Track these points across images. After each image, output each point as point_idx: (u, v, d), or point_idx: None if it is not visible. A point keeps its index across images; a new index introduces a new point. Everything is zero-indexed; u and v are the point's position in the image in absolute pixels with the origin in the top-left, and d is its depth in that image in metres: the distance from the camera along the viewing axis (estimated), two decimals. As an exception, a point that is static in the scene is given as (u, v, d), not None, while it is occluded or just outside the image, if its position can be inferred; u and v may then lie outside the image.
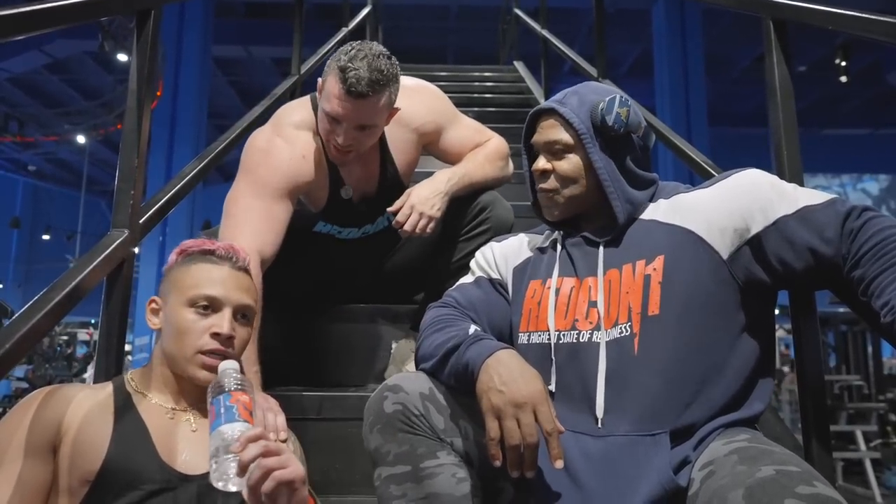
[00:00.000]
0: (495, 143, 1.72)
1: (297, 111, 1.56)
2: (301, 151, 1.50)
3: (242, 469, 0.85)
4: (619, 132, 1.06)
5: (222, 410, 0.90)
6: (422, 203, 1.47)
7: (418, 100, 1.64)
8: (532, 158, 1.17)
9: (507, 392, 0.91)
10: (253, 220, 1.42)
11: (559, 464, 0.89)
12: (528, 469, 0.91)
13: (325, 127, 1.46)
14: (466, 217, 1.60)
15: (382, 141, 1.61)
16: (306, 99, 1.58)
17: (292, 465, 0.87)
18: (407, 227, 1.46)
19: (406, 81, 1.65)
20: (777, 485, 0.74)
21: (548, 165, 1.11)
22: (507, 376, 0.92)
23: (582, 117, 1.07)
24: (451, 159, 1.69)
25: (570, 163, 1.09)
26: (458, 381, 1.00)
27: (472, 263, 1.25)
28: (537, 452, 0.90)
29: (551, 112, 1.11)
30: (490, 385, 0.93)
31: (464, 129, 1.71)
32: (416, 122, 1.63)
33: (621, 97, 1.07)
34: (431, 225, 1.48)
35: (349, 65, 1.36)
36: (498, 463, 0.91)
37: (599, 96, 1.08)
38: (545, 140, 1.11)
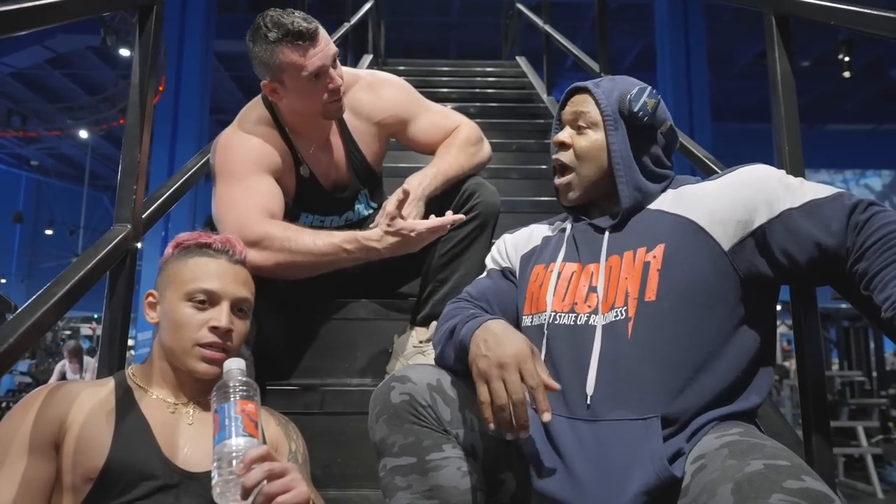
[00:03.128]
0: (465, 130, 1.70)
1: (252, 110, 1.59)
2: (261, 140, 1.54)
3: (246, 492, 0.85)
4: (643, 121, 1.08)
5: (227, 422, 0.89)
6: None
7: (378, 94, 1.67)
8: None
9: (491, 355, 0.93)
10: (245, 202, 1.45)
11: (546, 416, 0.90)
12: (520, 429, 0.91)
13: (313, 95, 1.48)
14: (454, 206, 1.59)
15: (345, 129, 1.63)
16: (258, 100, 1.60)
17: (297, 486, 0.87)
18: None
19: (366, 76, 1.69)
20: (765, 479, 0.74)
21: (568, 139, 1.14)
22: (492, 341, 0.95)
23: (611, 100, 1.10)
24: (421, 148, 1.72)
25: (589, 140, 1.12)
26: (459, 361, 1.02)
27: (488, 259, 1.28)
28: (526, 410, 0.91)
29: (585, 90, 1.15)
30: (477, 352, 0.96)
31: (431, 115, 1.71)
32: (377, 116, 1.66)
33: (652, 90, 1.10)
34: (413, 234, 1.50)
35: (284, 28, 1.41)
36: (492, 426, 0.92)
37: (632, 87, 1.12)
38: (572, 111, 1.15)
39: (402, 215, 1.41)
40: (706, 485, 0.80)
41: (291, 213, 1.64)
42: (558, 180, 1.16)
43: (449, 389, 1.01)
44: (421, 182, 1.55)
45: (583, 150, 1.12)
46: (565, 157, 1.14)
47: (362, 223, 1.74)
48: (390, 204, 1.40)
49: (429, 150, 1.70)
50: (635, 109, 1.07)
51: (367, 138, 1.66)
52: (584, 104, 1.13)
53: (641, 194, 1.08)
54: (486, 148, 1.72)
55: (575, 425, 0.97)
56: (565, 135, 1.14)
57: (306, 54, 1.42)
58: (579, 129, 1.13)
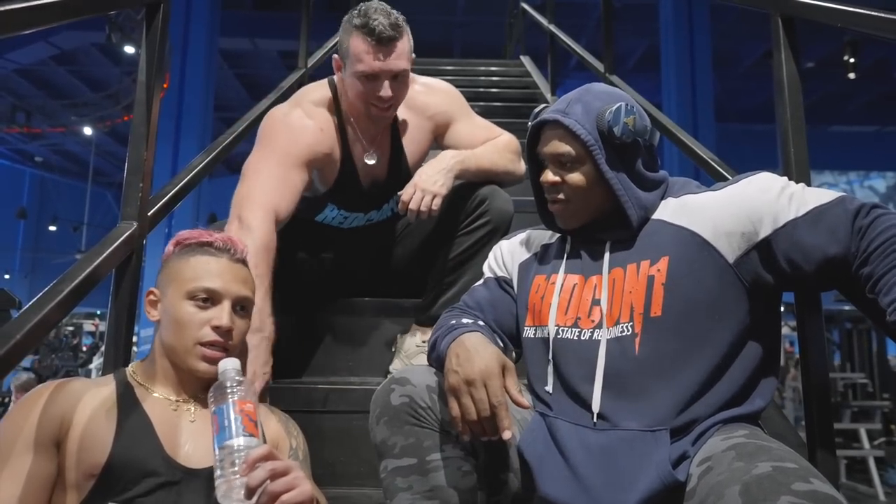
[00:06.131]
0: (506, 137, 1.73)
1: (316, 90, 1.62)
2: (319, 125, 1.56)
3: (250, 492, 0.85)
4: (628, 141, 1.04)
5: (226, 423, 0.90)
6: (425, 181, 1.50)
7: (434, 92, 1.72)
8: (537, 167, 1.15)
9: (460, 371, 0.95)
10: (270, 184, 1.47)
11: (506, 434, 0.92)
12: (491, 435, 0.94)
13: (360, 91, 1.50)
14: (465, 210, 1.60)
15: (394, 126, 1.65)
16: (324, 81, 1.63)
17: (300, 485, 0.88)
18: (412, 205, 1.48)
19: (427, 80, 1.73)
20: (773, 481, 0.74)
21: (556, 178, 1.08)
22: (463, 356, 0.97)
23: (588, 127, 1.04)
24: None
25: (580, 174, 1.07)
26: (440, 370, 1.03)
27: (485, 266, 1.27)
28: (496, 423, 0.93)
29: (556, 123, 1.07)
30: (448, 367, 0.98)
31: (475, 125, 1.74)
32: (431, 110, 1.69)
33: (627, 105, 1.04)
34: (437, 201, 1.49)
35: (367, 20, 1.44)
36: (467, 437, 0.95)
37: (604, 103, 1.06)
38: (552, 152, 1.08)
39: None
40: (713, 486, 0.80)
41: (317, 204, 1.67)
42: (557, 207, 1.11)
43: None
44: (455, 156, 1.57)
45: (577, 185, 1.07)
46: (561, 195, 1.09)
47: (381, 226, 1.75)
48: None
49: None
50: (617, 134, 1.03)
51: (415, 133, 1.68)
52: (559, 142, 1.07)
53: (645, 209, 1.06)
54: (523, 164, 1.72)
55: (582, 432, 0.98)
56: (552, 176, 1.09)
57: (370, 53, 1.45)
58: (564, 166, 1.08)
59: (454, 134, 1.70)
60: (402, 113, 1.64)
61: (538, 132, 1.12)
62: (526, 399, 0.98)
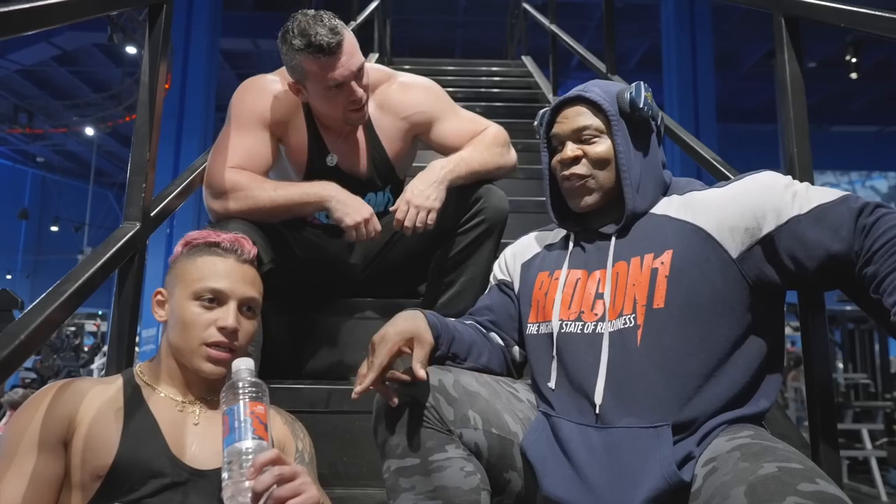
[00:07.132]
0: (493, 130, 1.71)
1: (280, 73, 1.64)
2: (279, 90, 1.59)
3: (256, 496, 0.85)
4: (648, 115, 1.07)
5: (236, 424, 0.90)
6: (417, 196, 1.48)
7: (411, 92, 1.69)
8: (551, 153, 1.16)
9: (376, 335, 1.04)
10: (237, 148, 1.52)
11: (355, 393, 0.99)
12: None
13: (333, 103, 1.52)
14: (460, 210, 1.59)
15: (369, 123, 1.65)
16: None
17: (307, 490, 0.87)
18: (406, 223, 1.47)
19: (402, 77, 1.71)
20: (779, 482, 0.74)
21: (578, 151, 1.09)
22: (387, 323, 1.06)
23: (610, 101, 1.08)
24: (446, 150, 1.71)
25: (603, 146, 1.09)
26: None
27: (491, 275, 1.29)
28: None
29: (577, 100, 1.11)
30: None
31: (459, 120, 1.71)
32: (406, 111, 1.67)
33: (644, 83, 1.09)
34: (431, 216, 1.48)
35: (307, 38, 1.43)
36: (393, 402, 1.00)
37: (618, 87, 1.10)
38: (573, 127, 1.10)
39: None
40: (718, 487, 0.80)
41: None
42: (576, 186, 1.10)
43: (451, 389, 1.02)
44: (444, 166, 1.54)
45: (599, 156, 1.08)
46: (580, 168, 1.09)
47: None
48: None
49: (454, 153, 1.68)
50: (640, 105, 1.06)
51: (392, 133, 1.67)
52: (581, 116, 1.09)
53: (644, 197, 1.07)
54: (513, 153, 1.71)
55: (585, 431, 0.98)
56: (573, 148, 1.09)
57: (327, 67, 1.45)
58: (586, 140, 1.09)
59: (440, 132, 1.69)
60: (375, 113, 1.63)
61: (554, 116, 1.14)
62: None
